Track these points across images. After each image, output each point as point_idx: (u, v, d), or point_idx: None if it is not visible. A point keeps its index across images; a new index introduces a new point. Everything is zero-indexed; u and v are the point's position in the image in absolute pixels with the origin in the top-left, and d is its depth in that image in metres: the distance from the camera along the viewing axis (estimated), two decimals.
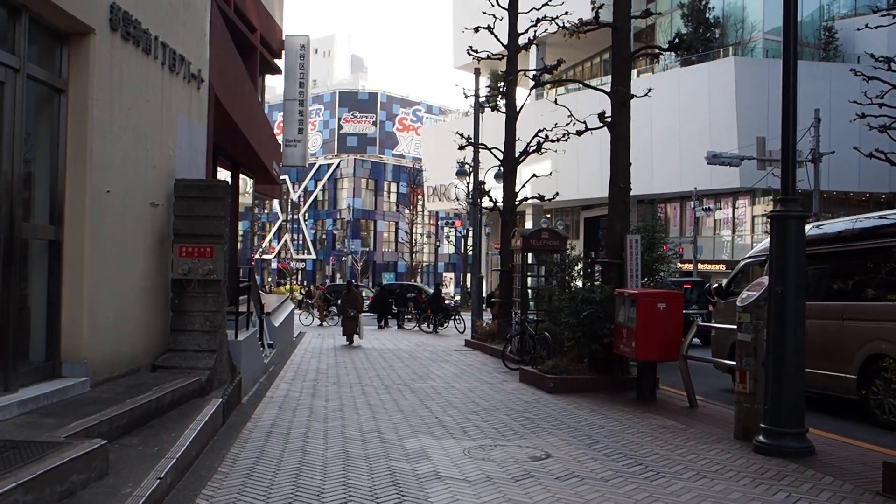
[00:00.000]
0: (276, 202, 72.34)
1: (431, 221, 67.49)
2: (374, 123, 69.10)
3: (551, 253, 15.81)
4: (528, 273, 15.91)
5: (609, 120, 12.36)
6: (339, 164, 68.24)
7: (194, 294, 8.03)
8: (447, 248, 68.08)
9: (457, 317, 26.04)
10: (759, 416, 7.24)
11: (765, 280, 7.61)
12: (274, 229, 71.83)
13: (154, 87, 7.80)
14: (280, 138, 24.03)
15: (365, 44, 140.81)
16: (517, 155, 18.97)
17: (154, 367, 7.81)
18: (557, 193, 19.58)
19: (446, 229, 63.81)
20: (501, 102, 19.62)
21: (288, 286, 56.80)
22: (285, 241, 70.32)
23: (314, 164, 69.92)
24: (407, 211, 60.67)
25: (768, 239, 12.40)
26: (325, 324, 29.63)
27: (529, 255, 15.88)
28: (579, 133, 13.94)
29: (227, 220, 8.39)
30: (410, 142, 70.21)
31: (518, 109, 19.12)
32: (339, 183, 68.56)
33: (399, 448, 7.00)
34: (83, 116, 6.47)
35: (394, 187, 69.29)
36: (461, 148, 19.86)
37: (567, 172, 41.58)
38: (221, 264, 8.07)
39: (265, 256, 70.81)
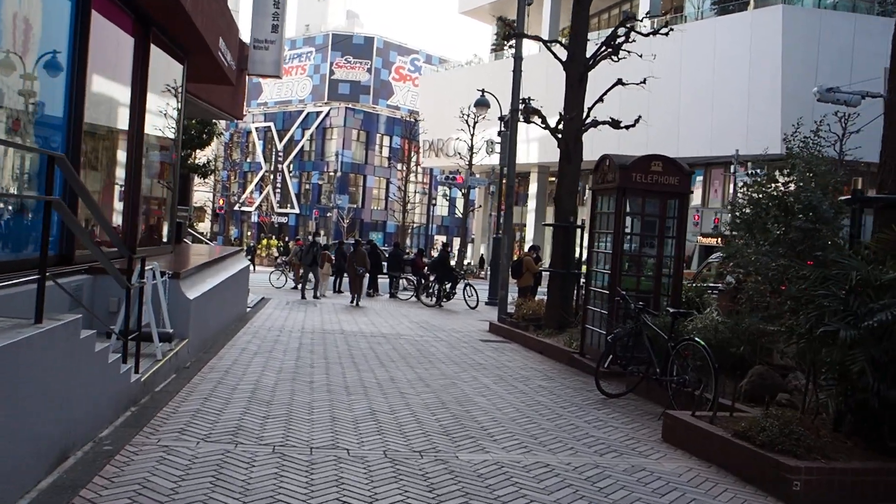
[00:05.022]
0: (259, 149, 64.58)
1: (425, 180, 60.23)
2: (369, 70, 61.01)
3: (666, 197, 9.14)
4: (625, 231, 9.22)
5: None
6: (328, 113, 60.24)
7: None
8: (441, 209, 60.91)
9: (468, 287, 19.29)
10: None
11: None
12: (256, 180, 64.09)
13: None
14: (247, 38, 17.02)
15: (361, 0, 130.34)
16: (589, 56, 12.10)
17: None
18: (640, 116, 12.74)
19: (441, 188, 56.59)
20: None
21: (265, 241, 49.65)
22: (267, 192, 62.67)
23: (302, 111, 62.01)
24: (400, 166, 53.37)
25: None
26: (299, 286, 22.86)
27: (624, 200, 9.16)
28: None
29: None
30: (407, 93, 62.27)
31: None
32: (328, 133, 60.64)
33: None
34: None
35: (387, 140, 61.37)
36: (506, 38, 12.78)
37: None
38: None
39: (245, 209, 63.16)
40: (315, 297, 18.72)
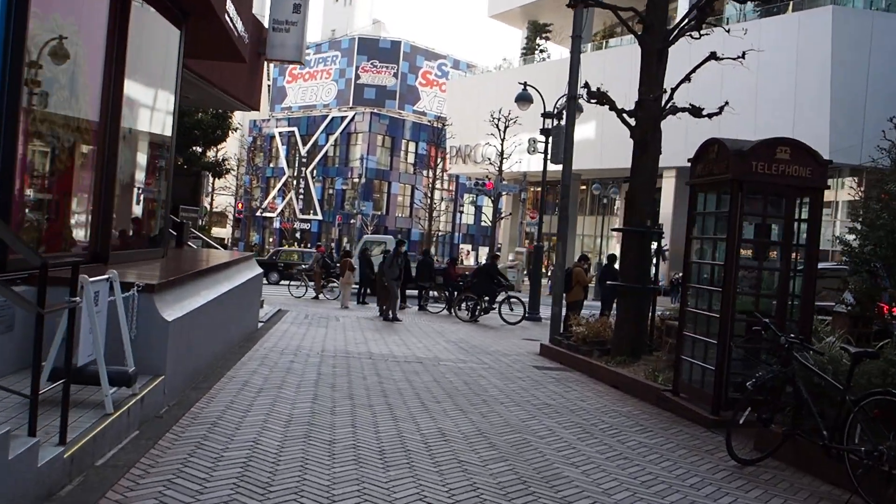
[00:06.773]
0: (282, 154, 62.87)
1: (451, 187, 58.01)
2: (395, 75, 59.13)
3: (794, 192, 6.94)
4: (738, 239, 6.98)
5: None
6: (353, 118, 58.43)
7: None
8: (467, 217, 58.63)
9: (512, 299, 17.17)
10: None
11: None
12: (279, 185, 62.33)
13: None
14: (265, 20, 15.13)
15: (387, 6, 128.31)
16: (672, 28, 9.94)
17: None
18: (727, 102, 10.53)
19: (467, 196, 54.33)
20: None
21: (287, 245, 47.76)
22: (290, 198, 60.84)
23: (326, 116, 60.22)
24: (426, 172, 51.24)
25: None
26: (321, 297, 20.91)
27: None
28: None
29: None
30: (433, 98, 60.22)
31: None
32: (353, 138, 58.80)
33: None
34: None
35: (412, 147, 59.41)
36: (571, 6, 10.52)
37: (610, 137, 32.29)
38: None
39: (267, 214, 61.44)
40: (393, 317, 14.99)
